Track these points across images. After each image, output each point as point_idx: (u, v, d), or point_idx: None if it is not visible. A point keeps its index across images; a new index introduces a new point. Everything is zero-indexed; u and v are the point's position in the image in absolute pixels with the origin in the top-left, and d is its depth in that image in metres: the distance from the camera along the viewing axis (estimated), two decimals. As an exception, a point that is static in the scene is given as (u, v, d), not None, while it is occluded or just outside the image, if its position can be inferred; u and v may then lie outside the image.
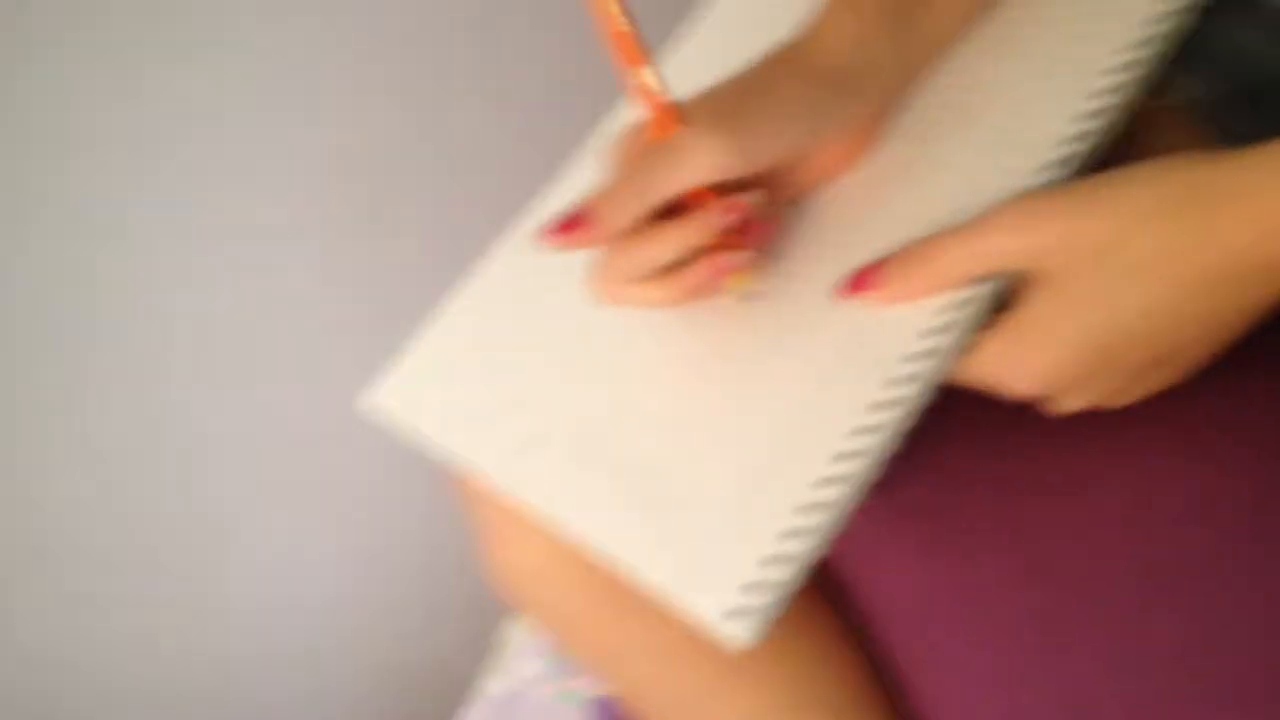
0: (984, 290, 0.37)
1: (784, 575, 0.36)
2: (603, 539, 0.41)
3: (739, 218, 0.38)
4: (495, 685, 0.82)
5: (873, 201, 0.43)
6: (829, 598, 0.47)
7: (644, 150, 0.37)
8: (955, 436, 0.42)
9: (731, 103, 0.38)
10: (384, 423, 0.52)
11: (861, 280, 0.38)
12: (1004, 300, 0.38)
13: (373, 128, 0.84)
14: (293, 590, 0.92)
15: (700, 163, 0.36)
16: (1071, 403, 0.36)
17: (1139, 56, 0.41)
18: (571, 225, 0.37)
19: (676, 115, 0.38)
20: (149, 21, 0.71)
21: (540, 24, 0.87)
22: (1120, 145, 0.40)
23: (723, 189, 0.38)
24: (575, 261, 0.50)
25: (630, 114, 0.42)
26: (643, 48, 0.37)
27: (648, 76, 0.37)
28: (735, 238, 0.39)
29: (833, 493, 0.37)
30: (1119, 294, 0.33)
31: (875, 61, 0.40)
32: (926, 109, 0.45)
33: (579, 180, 0.54)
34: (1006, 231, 0.35)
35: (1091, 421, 0.38)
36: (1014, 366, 0.36)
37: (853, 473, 0.37)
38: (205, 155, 0.77)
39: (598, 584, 0.49)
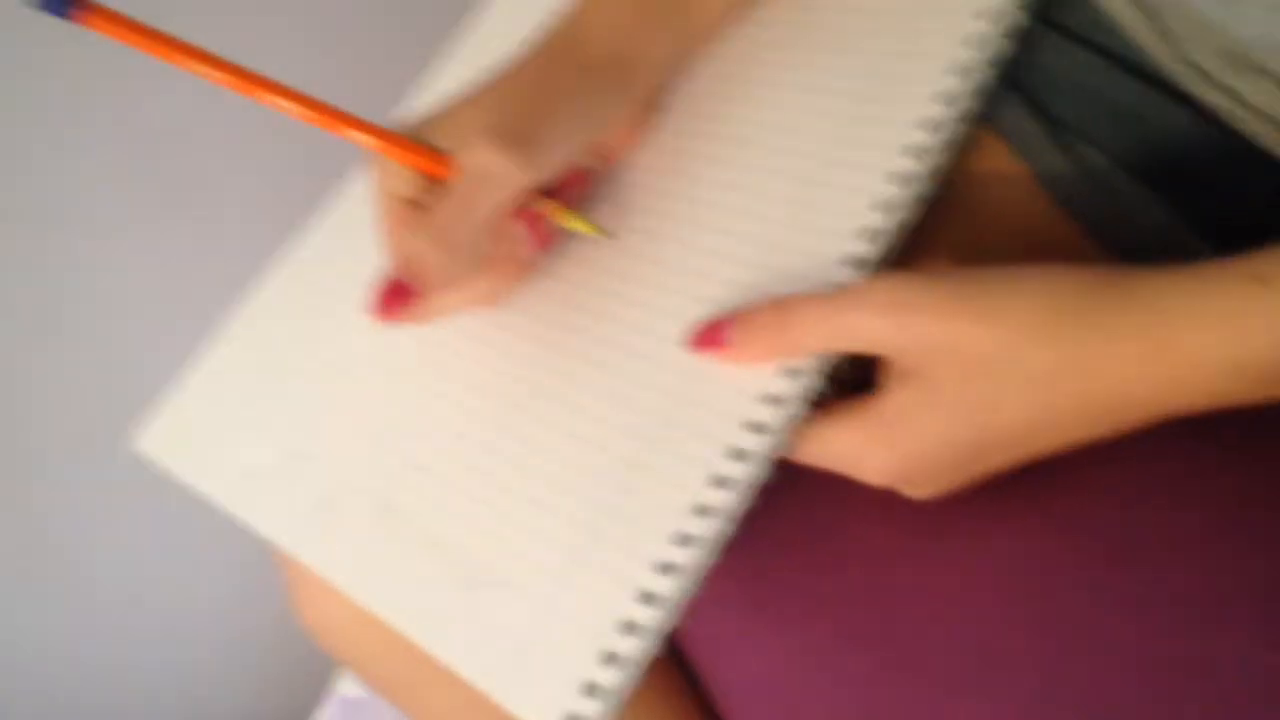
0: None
1: (621, 674, 0.31)
2: (411, 627, 0.36)
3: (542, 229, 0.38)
4: (349, 687, 0.77)
5: (664, 195, 0.40)
6: (677, 669, 0.44)
7: (443, 195, 0.35)
8: (778, 494, 0.38)
9: (511, 117, 0.36)
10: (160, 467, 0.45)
11: (707, 336, 0.35)
12: (840, 370, 0.34)
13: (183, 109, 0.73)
14: (145, 576, 0.85)
15: (504, 191, 0.35)
16: (921, 493, 0.34)
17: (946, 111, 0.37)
18: (398, 297, 0.35)
19: (430, 154, 0.36)
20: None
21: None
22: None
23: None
24: (362, 287, 0.44)
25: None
26: (334, 114, 0.35)
27: (357, 138, 0.35)
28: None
29: (671, 583, 0.32)
30: (992, 408, 0.30)
31: (641, 53, 0.40)
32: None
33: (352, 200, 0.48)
34: (874, 314, 0.31)
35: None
36: (868, 459, 0.33)
37: (694, 559, 0.32)
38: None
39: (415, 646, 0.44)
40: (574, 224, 0.39)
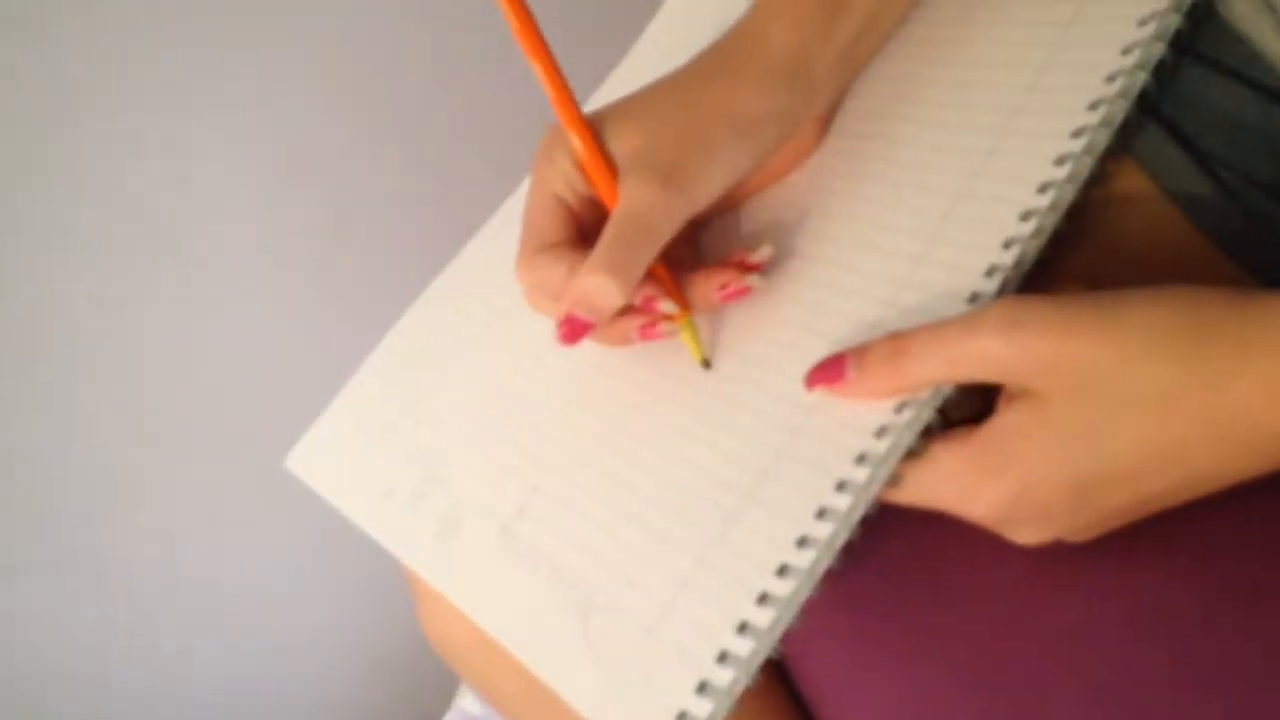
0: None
1: (713, 704, 0.32)
2: (519, 646, 0.37)
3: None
4: (470, 703, 0.80)
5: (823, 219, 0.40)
6: (789, 705, 0.44)
7: (609, 230, 0.37)
8: (894, 526, 0.38)
9: (671, 140, 0.37)
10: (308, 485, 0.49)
11: (824, 372, 0.35)
12: (950, 404, 0.33)
13: (339, 128, 0.79)
14: (275, 586, 0.91)
15: (664, 228, 0.36)
16: (1027, 536, 0.32)
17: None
18: (576, 330, 0.38)
19: (610, 174, 0.38)
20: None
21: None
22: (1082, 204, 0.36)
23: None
24: (502, 319, 0.46)
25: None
26: (573, 108, 0.37)
27: (575, 142, 0.38)
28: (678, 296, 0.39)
29: (768, 615, 0.32)
30: (1109, 431, 0.29)
31: (817, 55, 0.39)
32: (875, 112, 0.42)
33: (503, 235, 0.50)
34: (989, 336, 0.30)
35: None
36: (974, 490, 0.32)
37: (792, 591, 0.32)
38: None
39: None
40: (687, 339, 0.39)
